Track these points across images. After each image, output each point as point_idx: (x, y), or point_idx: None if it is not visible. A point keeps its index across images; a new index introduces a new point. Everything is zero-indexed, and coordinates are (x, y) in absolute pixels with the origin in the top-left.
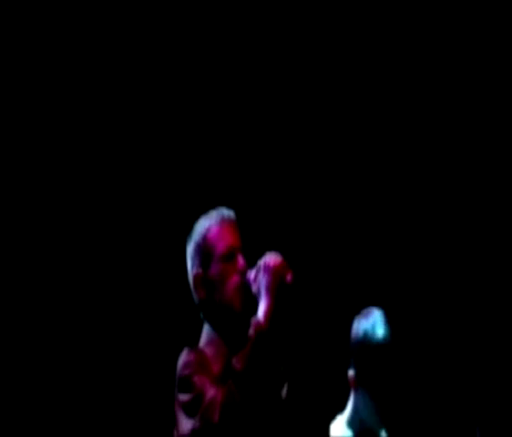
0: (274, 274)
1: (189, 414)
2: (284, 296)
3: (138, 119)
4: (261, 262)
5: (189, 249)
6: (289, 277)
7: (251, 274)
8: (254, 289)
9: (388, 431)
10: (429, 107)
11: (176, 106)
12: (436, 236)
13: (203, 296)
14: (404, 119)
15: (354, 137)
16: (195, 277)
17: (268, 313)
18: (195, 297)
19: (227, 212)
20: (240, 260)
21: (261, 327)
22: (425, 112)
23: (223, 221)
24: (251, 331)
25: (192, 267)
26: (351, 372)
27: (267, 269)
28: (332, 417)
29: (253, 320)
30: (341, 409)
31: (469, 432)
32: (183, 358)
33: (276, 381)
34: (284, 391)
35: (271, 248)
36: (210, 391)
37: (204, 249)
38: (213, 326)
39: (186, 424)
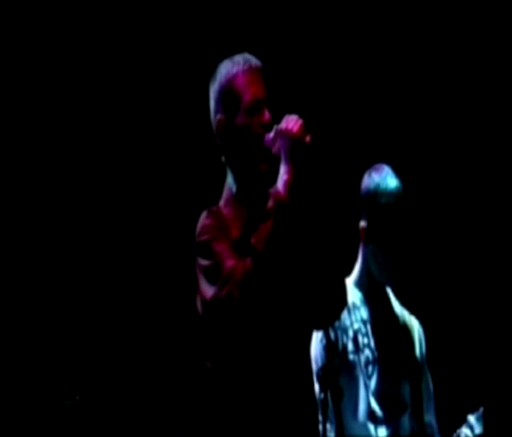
0: (293, 140)
1: (210, 280)
2: (303, 159)
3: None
4: (281, 126)
5: (213, 90)
6: (308, 138)
7: (270, 135)
8: (274, 150)
9: (396, 286)
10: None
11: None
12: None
13: (226, 142)
14: None
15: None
16: (219, 122)
17: (288, 183)
18: (218, 140)
19: (254, 60)
20: (267, 114)
21: (281, 198)
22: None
23: (251, 69)
24: (271, 203)
25: (216, 111)
26: (362, 223)
27: (286, 134)
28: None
29: (273, 190)
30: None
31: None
32: (201, 221)
33: (297, 247)
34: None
35: (292, 101)
36: (228, 262)
37: (230, 96)
38: (233, 174)
39: (207, 290)
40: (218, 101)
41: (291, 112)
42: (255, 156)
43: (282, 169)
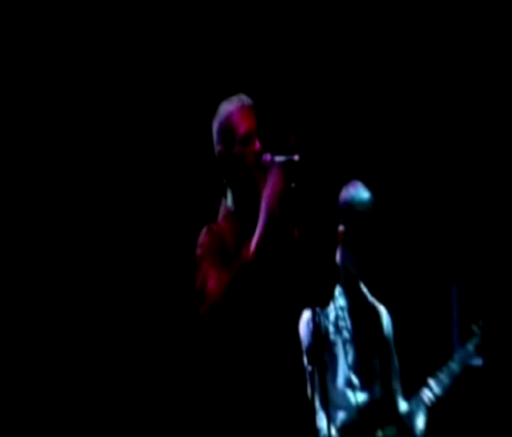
0: (275, 193)
1: (200, 290)
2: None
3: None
4: (276, 159)
5: (214, 127)
6: (296, 157)
7: (267, 158)
8: (268, 172)
9: (367, 280)
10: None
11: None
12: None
13: (226, 168)
14: None
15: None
16: (219, 152)
17: (258, 241)
18: (219, 167)
19: (246, 99)
20: (257, 144)
21: (248, 259)
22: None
23: (243, 107)
24: (240, 259)
25: (217, 143)
26: (341, 228)
27: (272, 188)
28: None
29: (245, 249)
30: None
31: (446, 288)
32: (201, 237)
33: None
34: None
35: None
36: (210, 283)
37: (227, 130)
38: (232, 196)
39: (199, 298)
40: (218, 135)
41: (279, 134)
42: (251, 175)
43: (260, 220)
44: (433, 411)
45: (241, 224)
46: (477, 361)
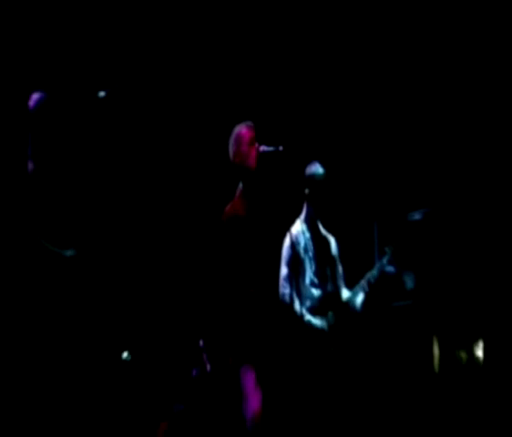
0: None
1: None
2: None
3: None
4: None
5: (230, 143)
6: (280, 148)
7: (263, 147)
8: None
9: (322, 220)
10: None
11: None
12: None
13: (238, 162)
14: None
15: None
16: (234, 154)
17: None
18: (234, 165)
19: (248, 122)
20: (257, 144)
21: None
22: None
23: (247, 125)
24: None
25: (231, 149)
26: (306, 191)
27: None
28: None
29: None
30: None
31: (367, 228)
32: (225, 218)
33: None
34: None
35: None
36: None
37: (238, 141)
38: (242, 181)
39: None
40: (233, 144)
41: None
42: (252, 165)
43: None
44: (366, 296)
45: (247, 200)
46: (389, 269)
